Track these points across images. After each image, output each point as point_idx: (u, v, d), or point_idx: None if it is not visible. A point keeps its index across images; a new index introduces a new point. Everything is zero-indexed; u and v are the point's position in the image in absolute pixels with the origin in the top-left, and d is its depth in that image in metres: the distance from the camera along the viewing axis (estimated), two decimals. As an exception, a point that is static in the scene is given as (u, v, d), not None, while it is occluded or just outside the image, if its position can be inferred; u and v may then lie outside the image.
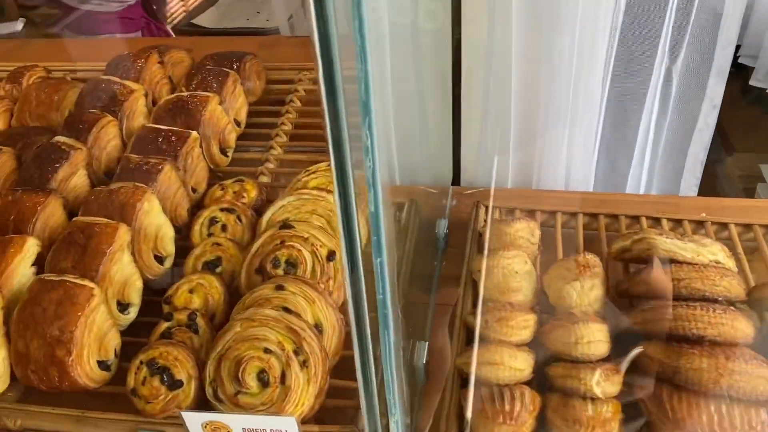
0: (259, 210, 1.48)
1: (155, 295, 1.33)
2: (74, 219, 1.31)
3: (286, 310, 1.15)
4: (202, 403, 1.15)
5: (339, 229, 0.81)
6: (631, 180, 1.79)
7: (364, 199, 0.82)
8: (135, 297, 1.29)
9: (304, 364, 1.09)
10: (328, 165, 1.51)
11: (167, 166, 1.42)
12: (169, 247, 1.38)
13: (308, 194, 1.36)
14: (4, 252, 1.27)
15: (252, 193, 1.49)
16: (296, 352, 1.09)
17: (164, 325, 1.23)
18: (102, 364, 1.20)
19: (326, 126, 0.74)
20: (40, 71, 1.95)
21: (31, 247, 1.29)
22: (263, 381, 1.09)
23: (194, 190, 1.53)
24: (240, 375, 1.09)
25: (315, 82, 1.89)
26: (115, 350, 1.22)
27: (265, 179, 1.60)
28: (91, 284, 1.19)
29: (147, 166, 1.42)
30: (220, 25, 3.52)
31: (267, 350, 1.10)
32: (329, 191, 1.38)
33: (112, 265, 1.25)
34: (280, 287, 1.18)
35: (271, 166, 1.64)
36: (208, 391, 1.12)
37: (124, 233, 1.27)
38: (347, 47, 0.67)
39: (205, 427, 1.08)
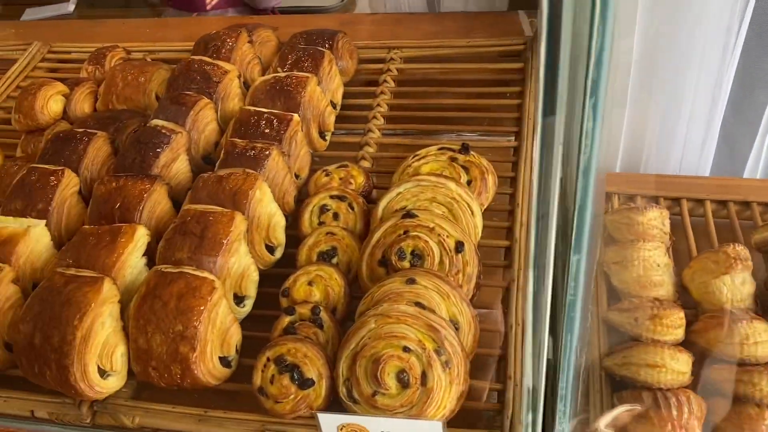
0: (366, 197, 1.41)
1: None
2: (186, 207, 1.24)
3: (419, 305, 1.08)
4: (332, 403, 1.09)
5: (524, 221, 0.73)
6: (751, 164, 1.67)
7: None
8: (251, 289, 1.23)
9: (446, 365, 1.02)
10: (439, 149, 1.44)
11: (275, 151, 1.35)
12: (280, 237, 1.31)
13: (427, 181, 1.28)
14: (114, 242, 1.21)
15: (359, 179, 1.41)
16: (438, 352, 1.02)
17: (286, 319, 1.16)
18: (223, 360, 1.14)
19: (539, 98, 0.65)
20: (120, 52, 1.89)
21: (141, 236, 1.24)
22: (403, 381, 1.02)
23: (296, 176, 1.45)
24: (378, 375, 1.02)
25: (408, 60, 1.81)
26: (236, 346, 1.16)
27: (366, 164, 1.52)
28: (212, 276, 1.13)
29: (254, 152, 1.35)
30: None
31: (406, 349, 1.03)
32: (447, 177, 1.29)
33: (230, 257, 1.19)
34: (411, 281, 1.11)
35: (371, 150, 1.56)
36: (342, 390, 1.06)
37: (240, 222, 1.21)
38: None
39: (341, 429, 1.02)
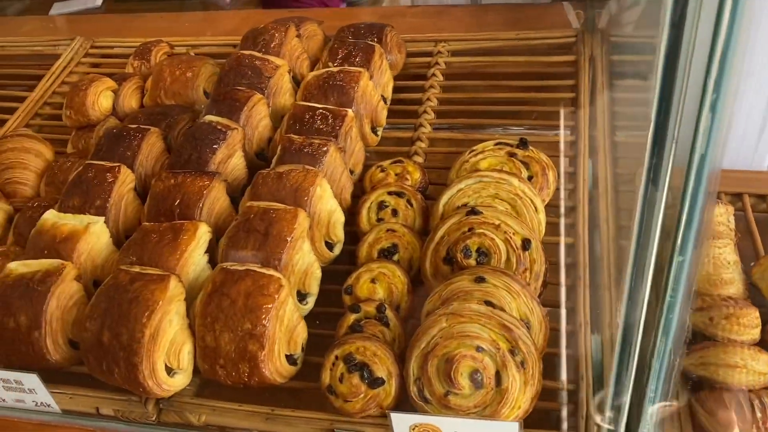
0: (422, 193, 1.40)
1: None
2: (248, 204, 1.24)
3: (490, 304, 1.07)
4: (401, 402, 1.08)
5: (636, 219, 0.71)
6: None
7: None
8: (314, 286, 1.23)
9: (521, 365, 1.01)
10: (496, 144, 1.42)
11: (332, 147, 1.34)
12: (340, 234, 1.30)
13: (489, 177, 1.26)
14: (176, 239, 1.21)
15: (415, 174, 1.40)
16: (512, 352, 1.01)
17: (351, 317, 1.16)
18: (289, 359, 1.14)
19: (654, 99, 0.63)
20: (165, 47, 1.89)
21: (203, 234, 1.23)
22: (476, 382, 1.01)
23: (351, 172, 1.44)
24: (451, 374, 1.01)
25: (455, 54, 1.79)
26: (302, 344, 1.16)
27: (419, 159, 1.51)
28: (278, 274, 1.13)
29: (311, 148, 1.34)
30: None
31: (479, 349, 1.01)
32: (510, 173, 1.28)
33: (294, 254, 1.18)
34: (480, 279, 1.09)
35: (423, 145, 1.55)
36: (413, 389, 1.05)
37: (304, 219, 1.20)
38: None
39: (414, 429, 1.01)
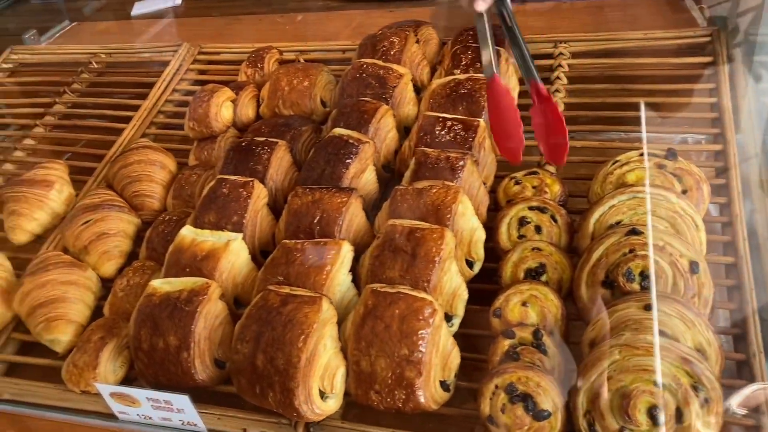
0: (561, 206, 1.34)
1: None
2: (392, 223, 1.20)
3: (663, 334, 1.01)
4: (566, 435, 1.03)
5: None
6: None
7: None
8: (461, 308, 1.19)
9: (705, 402, 0.94)
10: (641, 154, 1.34)
11: (469, 161, 1.30)
12: (480, 252, 1.26)
13: (644, 192, 1.19)
14: (322, 259, 1.19)
15: (554, 187, 1.34)
16: (695, 388, 0.95)
17: (506, 343, 1.11)
18: (443, 384, 1.10)
19: None
20: (276, 53, 1.88)
21: (347, 252, 1.21)
22: (655, 418, 0.95)
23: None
24: (628, 410, 0.95)
25: (576, 55, 1.71)
26: (455, 370, 1.12)
27: (551, 169, 1.45)
28: (430, 298, 1.09)
29: (447, 162, 1.29)
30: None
31: (658, 384, 0.96)
32: (666, 188, 1.21)
33: (443, 275, 1.14)
34: (650, 307, 1.03)
35: (554, 154, 1.48)
36: (582, 424, 1.00)
37: (450, 239, 1.16)
38: None
39: (587, 465, 0.97)
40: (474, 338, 1.19)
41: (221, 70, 2.03)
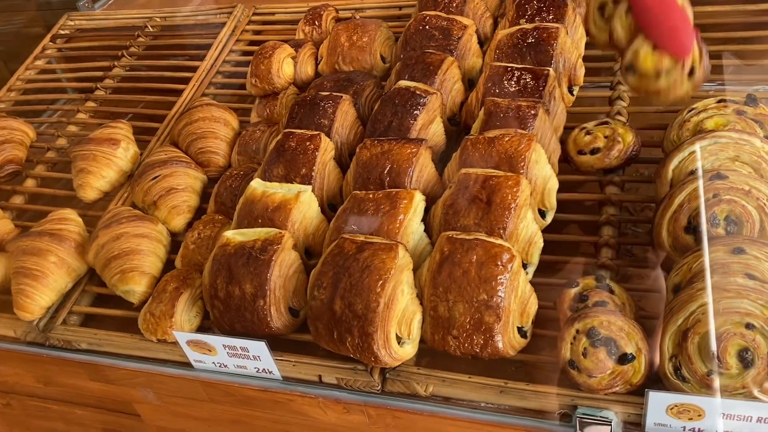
0: (634, 156, 1.31)
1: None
2: (465, 171, 1.19)
3: (752, 277, 0.98)
4: (649, 380, 1.02)
5: None
6: None
7: None
8: (536, 256, 1.18)
9: (799, 344, 0.92)
10: (718, 101, 1.30)
11: (541, 110, 1.27)
12: (553, 201, 1.24)
13: (726, 137, 1.16)
14: (395, 208, 1.19)
15: (627, 137, 1.31)
16: (789, 330, 0.93)
17: (572, 291, 1.11)
18: (520, 331, 1.10)
19: None
20: (332, 11, 1.86)
21: (419, 202, 1.21)
22: (745, 361, 0.93)
23: (552, 135, 1.37)
24: (717, 353, 0.94)
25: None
26: (533, 316, 1.11)
27: (622, 119, 1.41)
28: (507, 244, 1.08)
29: (518, 111, 1.27)
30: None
31: (750, 326, 0.93)
32: (750, 133, 1.17)
33: (519, 222, 1.13)
34: (739, 250, 1.01)
35: (624, 104, 1.45)
36: (668, 367, 0.98)
37: (526, 186, 1.15)
38: None
39: (672, 409, 0.95)
40: (543, 287, 1.18)
41: (276, 30, 2.03)
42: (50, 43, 2.26)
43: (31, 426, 1.73)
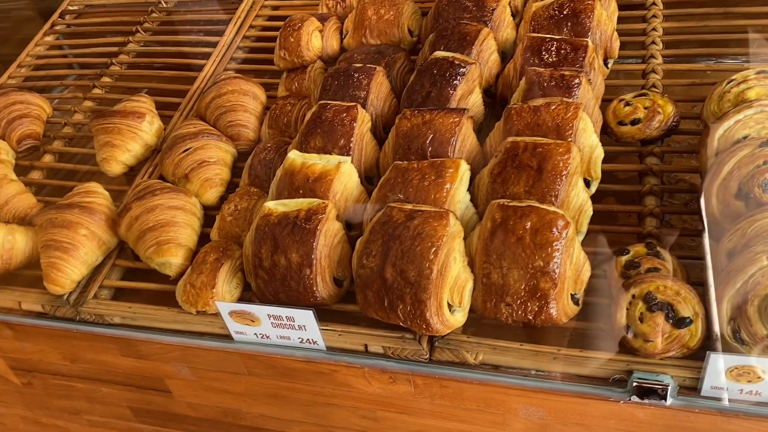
0: (674, 127, 1.32)
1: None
2: (512, 139, 1.19)
3: (807, 241, 0.99)
4: (704, 344, 1.02)
5: None
6: None
7: None
8: (585, 224, 1.17)
9: None
10: (758, 72, 1.31)
11: (584, 80, 1.27)
12: (599, 170, 1.24)
13: (772, 106, 1.16)
14: (441, 177, 1.18)
15: (667, 108, 1.31)
16: None
17: (622, 258, 1.11)
18: (573, 298, 1.10)
19: None
20: (355, -16, 1.84)
21: (465, 170, 1.20)
22: (806, 322, 0.94)
23: (590, 107, 1.37)
24: (779, 315, 0.95)
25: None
26: (585, 284, 1.11)
27: (659, 90, 1.42)
28: (561, 211, 1.08)
29: (562, 80, 1.27)
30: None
31: (811, 287, 0.94)
32: (794, 102, 1.17)
33: (570, 190, 1.13)
34: (793, 215, 1.01)
35: (657, 77, 1.45)
36: (726, 330, 0.99)
37: (576, 154, 1.14)
38: None
39: (731, 371, 0.96)
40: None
41: (296, 5, 2.00)
42: (59, 20, 2.21)
43: (51, 405, 1.70)
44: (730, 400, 0.99)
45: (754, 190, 1.08)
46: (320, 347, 1.21)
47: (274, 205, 1.23)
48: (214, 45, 1.90)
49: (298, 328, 1.19)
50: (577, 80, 1.27)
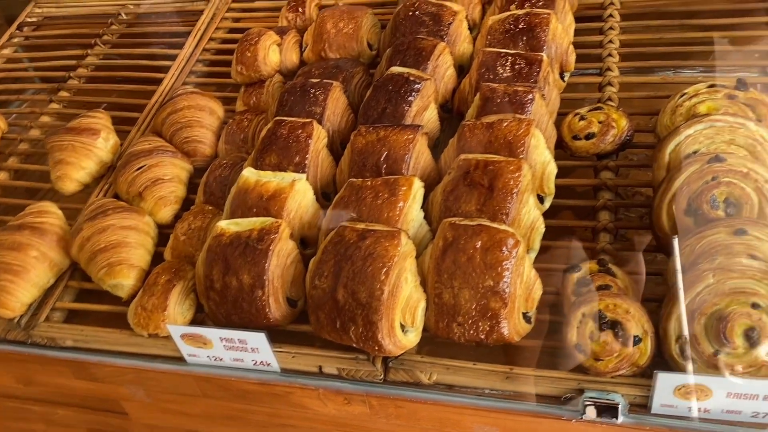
0: (628, 141, 1.32)
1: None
2: (464, 157, 1.18)
3: (754, 258, 0.99)
4: (654, 362, 1.02)
5: None
6: None
7: None
8: (537, 242, 1.17)
9: (804, 322, 0.94)
10: (709, 86, 1.32)
11: (537, 95, 1.27)
12: (551, 186, 1.24)
13: (722, 121, 1.17)
14: (394, 195, 1.17)
15: (621, 122, 1.32)
16: (793, 308, 0.94)
17: (574, 275, 1.11)
18: (525, 316, 1.09)
19: None
20: (316, -3, 1.83)
21: (418, 188, 1.19)
22: (752, 340, 0.94)
23: (545, 121, 1.37)
24: (726, 333, 0.95)
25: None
26: (537, 302, 1.11)
27: (614, 104, 1.42)
28: (511, 229, 1.08)
29: (515, 96, 1.27)
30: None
31: (755, 305, 0.95)
32: (744, 116, 1.18)
33: (521, 208, 1.13)
34: (741, 232, 1.02)
35: (613, 89, 1.45)
36: (674, 348, 0.99)
37: (527, 171, 1.14)
38: None
39: (679, 389, 0.96)
40: (539, 274, 1.18)
41: (256, 18, 1.98)
42: (17, 32, 2.17)
43: (9, 428, 1.66)
44: (680, 418, 0.99)
45: (702, 206, 1.08)
46: (274, 369, 1.19)
47: (227, 225, 1.21)
48: (174, 58, 1.88)
49: (251, 351, 1.17)
50: (530, 96, 1.27)
